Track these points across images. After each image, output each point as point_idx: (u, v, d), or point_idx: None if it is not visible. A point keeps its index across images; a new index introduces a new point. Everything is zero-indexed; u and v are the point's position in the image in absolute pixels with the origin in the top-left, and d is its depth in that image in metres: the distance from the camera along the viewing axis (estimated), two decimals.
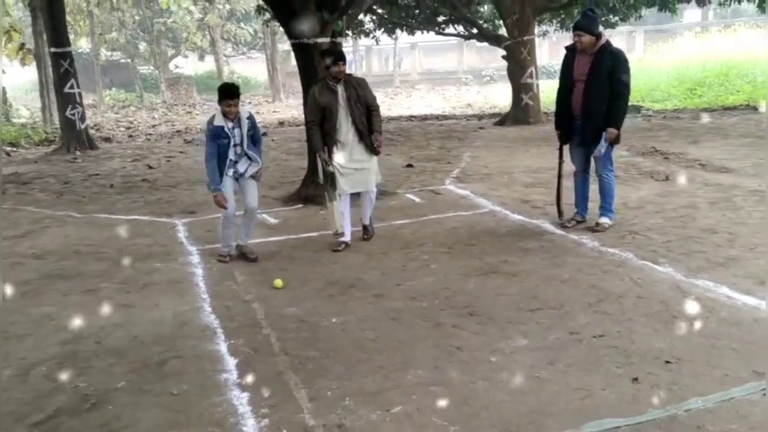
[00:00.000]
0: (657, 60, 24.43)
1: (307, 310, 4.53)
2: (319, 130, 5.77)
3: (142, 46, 39.04)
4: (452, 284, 4.87)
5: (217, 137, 5.44)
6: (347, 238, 5.96)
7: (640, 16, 18.02)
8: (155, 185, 9.78)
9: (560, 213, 6.35)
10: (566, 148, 6.18)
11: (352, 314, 4.41)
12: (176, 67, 42.75)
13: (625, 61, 5.65)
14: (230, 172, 5.57)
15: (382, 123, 6.17)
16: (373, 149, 5.85)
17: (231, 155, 5.51)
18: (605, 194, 6.04)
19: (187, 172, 10.85)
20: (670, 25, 37.76)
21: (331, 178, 5.78)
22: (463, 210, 7.25)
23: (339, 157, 5.80)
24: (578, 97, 5.76)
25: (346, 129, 5.74)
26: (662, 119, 14.56)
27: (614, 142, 5.80)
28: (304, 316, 4.42)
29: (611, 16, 17.56)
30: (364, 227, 6.27)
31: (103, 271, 5.62)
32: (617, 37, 37.48)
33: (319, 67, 7.74)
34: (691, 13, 40.94)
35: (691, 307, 4.18)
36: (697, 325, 3.93)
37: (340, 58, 5.72)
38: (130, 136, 18.35)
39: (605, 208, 6.07)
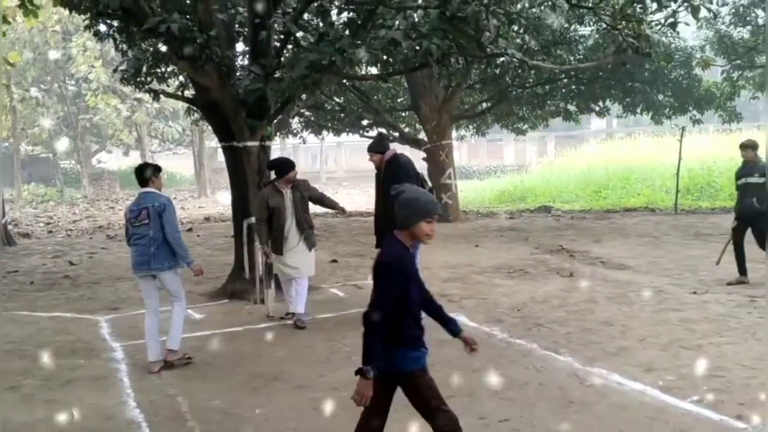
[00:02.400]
0: (566, 164, 26.24)
1: (231, 402, 4.70)
2: (266, 226, 6.54)
3: (65, 141, 38.67)
4: None
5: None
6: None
7: (547, 125, 19.52)
8: (77, 282, 9.73)
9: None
10: None
11: (275, 405, 4.61)
12: (99, 162, 42.38)
13: (399, 167, 6.47)
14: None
15: (312, 218, 6.92)
16: (310, 243, 6.64)
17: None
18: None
19: (110, 269, 10.82)
20: (578, 131, 40.59)
21: (269, 269, 6.79)
22: None
23: (284, 249, 6.55)
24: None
25: (289, 225, 6.56)
26: (570, 219, 15.60)
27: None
28: (228, 408, 4.59)
29: (521, 124, 18.99)
30: (294, 314, 6.76)
31: (25, 368, 5.62)
32: (530, 142, 39.96)
33: (248, 168, 8.17)
34: (597, 121, 44.29)
35: (586, 392, 4.62)
36: (590, 408, 4.35)
37: (293, 166, 6.63)
38: (50, 231, 18.03)
39: None
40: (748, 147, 7.74)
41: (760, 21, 15.96)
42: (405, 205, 3.07)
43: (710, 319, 6.27)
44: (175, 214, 5.46)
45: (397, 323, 3.03)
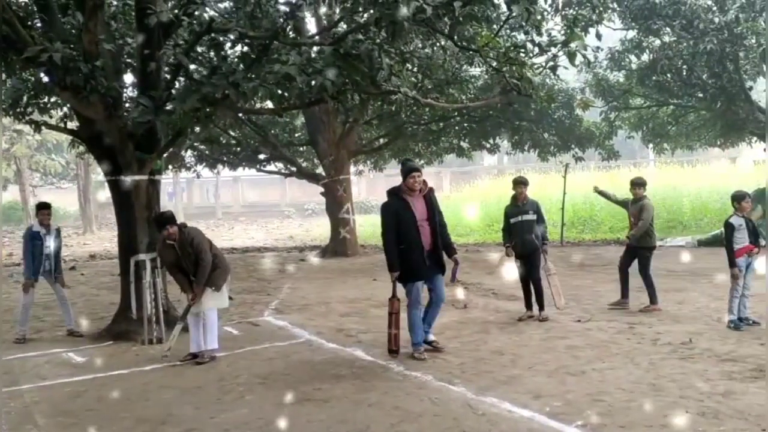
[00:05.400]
0: (461, 198, 27.05)
1: None
2: (178, 273, 6.66)
3: None
4: (266, 414, 5.03)
5: (33, 239, 7.74)
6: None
7: (442, 161, 20.10)
8: None
9: (398, 350, 6.50)
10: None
11: None
12: None
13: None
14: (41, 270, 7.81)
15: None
16: (212, 284, 6.65)
17: (44, 257, 7.80)
18: (437, 316, 6.72)
19: None
20: (472, 167, 42.07)
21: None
22: (280, 341, 7.49)
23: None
24: (427, 236, 6.40)
25: (191, 272, 6.65)
26: (465, 252, 16.00)
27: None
28: None
29: (418, 160, 19.44)
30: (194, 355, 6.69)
31: None
32: (426, 177, 40.94)
33: (136, 203, 7.88)
34: (489, 158, 46.07)
35: (479, 421, 4.71)
36: None
37: (165, 224, 6.53)
38: None
39: (432, 326, 6.68)
40: (521, 183, 7.99)
41: (634, 66, 17.26)
42: None
43: (593, 346, 6.59)
44: None
45: None
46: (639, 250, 8.17)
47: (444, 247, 6.56)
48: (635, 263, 8.23)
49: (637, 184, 8.26)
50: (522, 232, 7.88)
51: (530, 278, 7.93)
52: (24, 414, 5.23)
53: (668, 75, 16.42)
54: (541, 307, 7.94)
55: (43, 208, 7.99)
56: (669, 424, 4.47)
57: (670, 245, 15.83)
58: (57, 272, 8.05)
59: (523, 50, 8.27)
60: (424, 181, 6.54)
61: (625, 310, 8.15)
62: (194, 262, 6.54)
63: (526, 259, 7.92)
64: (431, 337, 6.66)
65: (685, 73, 16.25)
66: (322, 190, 16.96)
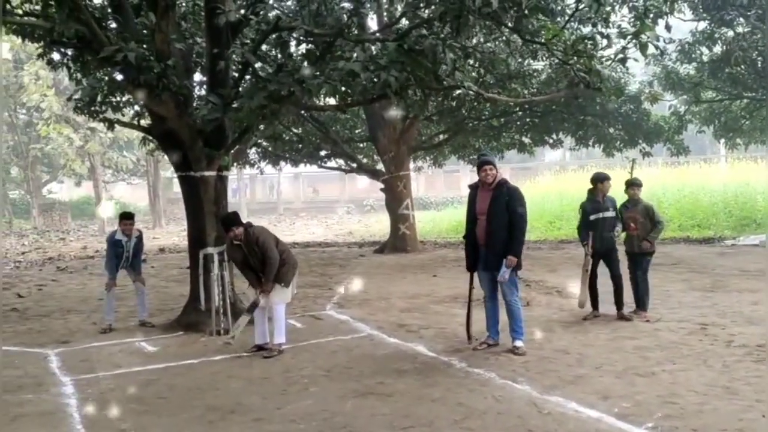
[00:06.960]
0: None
1: None
2: (248, 270, 6.82)
3: (15, 171, 37.63)
4: (331, 406, 5.09)
5: (114, 246, 8.09)
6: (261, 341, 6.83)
7: (503, 157, 19.86)
8: (25, 315, 9.43)
9: (469, 336, 6.65)
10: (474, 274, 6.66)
11: None
12: (50, 192, 41.36)
13: (521, 196, 6.39)
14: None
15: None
16: (279, 280, 6.75)
17: (123, 259, 8.16)
18: (514, 318, 6.49)
19: (60, 301, 10.52)
20: (533, 163, 41.43)
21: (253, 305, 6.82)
22: (342, 334, 7.57)
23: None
24: (481, 229, 6.38)
25: (257, 268, 6.80)
26: (526, 249, 15.76)
27: (516, 267, 6.38)
28: None
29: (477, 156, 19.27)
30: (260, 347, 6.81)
31: None
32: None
33: (205, 198, 8.10)
34: (551, 154, 45.32)
35: (544, 420, 4.65)
36: None
37: (231, 225, 6.68)
38: None
39: (516, 332, 6.48)
40: (605, 180, 7.83)
41: (704, 58, 16.64)
42: None
43: (663, 347, 6.40)
44: None
45: None
46: (642, 255, 7.92)
47: (512, 243, 6.32)
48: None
49: (635, 185, 7.99)
50: (602, 230, 7.75)
51: (610, 276, 7.78)
52: (100, 400, 5.46)
53: (742, 67, 15.77)
54: (619, 307, 7.76)
55: (126, 218, 8.23)
56: (745, 429, 4.31)
57: (743, 244, 15.22)
58: (137, 272, 8.40)
59: (591, 42, 8.08)
60: (495, 176, 6.38)
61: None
62: (261, 260, 6.66)
63: (605, 257, 7.78)
64: (516, 344, 6.43)
65: (760, 65, 15.58)
66: (382, 186, 17.02)
